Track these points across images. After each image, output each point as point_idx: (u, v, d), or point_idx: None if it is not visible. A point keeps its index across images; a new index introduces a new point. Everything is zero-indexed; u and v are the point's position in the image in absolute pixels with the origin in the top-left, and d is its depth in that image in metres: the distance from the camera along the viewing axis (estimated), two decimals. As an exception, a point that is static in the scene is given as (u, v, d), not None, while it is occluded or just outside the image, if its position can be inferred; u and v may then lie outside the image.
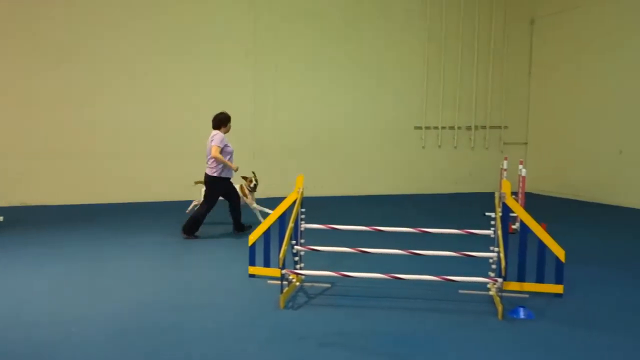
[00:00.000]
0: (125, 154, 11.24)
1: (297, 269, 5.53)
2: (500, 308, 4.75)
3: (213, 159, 7.71)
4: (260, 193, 11.79)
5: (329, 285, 5.64)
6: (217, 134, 7.80)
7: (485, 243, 5.54)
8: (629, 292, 5.53)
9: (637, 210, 10.72)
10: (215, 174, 7.78)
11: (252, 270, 5.96)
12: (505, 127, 13.84)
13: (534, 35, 13.78)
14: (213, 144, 7.71)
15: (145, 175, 11.33)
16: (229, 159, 7.86)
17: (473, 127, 13.59)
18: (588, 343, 4.24)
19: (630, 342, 4.24)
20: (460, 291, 5.43)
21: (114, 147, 11.18)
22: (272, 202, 6.44)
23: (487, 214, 5.59)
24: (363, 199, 12.26)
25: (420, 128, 13.26)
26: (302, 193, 5.73)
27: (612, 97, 11.60)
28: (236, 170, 7.99)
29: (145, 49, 11.28)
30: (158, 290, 5.50)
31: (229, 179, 7.99)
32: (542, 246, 5.35)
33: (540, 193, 13.00)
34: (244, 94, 11.95)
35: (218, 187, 7.88)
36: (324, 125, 12.57)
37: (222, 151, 7.71)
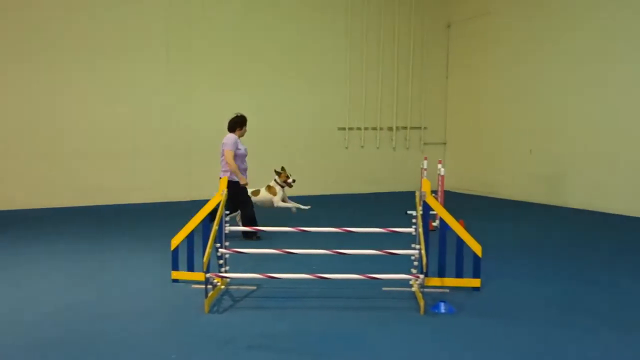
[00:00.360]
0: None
1: (221, 272, 5.45)
2: (422, 303, 4.89)
3: (244, 161, 7.75)
4: (184, 195, 11.64)
5: (254, 287, 5.60)
6: (230, 137, 7.73)
7: (407, 241, 5.69)
8: (541, 283, 5.84)
9: (546, 205, 11.37)
10: (233, 178, 7.63)
11: (175, 275, 5.81)
12: (425, 128, 14.29)
13: (450, 39, 14.31)
14: (225, 148, 7.63)
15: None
16: (242, 161, 7.79)
17: (394, 128, 13.94)
18: (505, 333, 4.44)
19: (544, 331, 4.48)
20: (384, 288, 5.54)
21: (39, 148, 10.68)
22: (196, 205, 6.31)
23: (408, 212, 5.74)
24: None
25: (343, 129, 13.44)
26: (225, 195, 5.66)
27: (523, 100, 12.24)
28: (245, 184, 7.84)
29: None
30: (78, 298, 5.26)
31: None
32: (460, 242, 5.56)
33: (458, 191, 13.52)
34: (163, 93, 11.66)
35: (238, 188, 7.70)
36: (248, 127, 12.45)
37: (234, 154, 7.64)
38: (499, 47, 12.82)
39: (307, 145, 13.07)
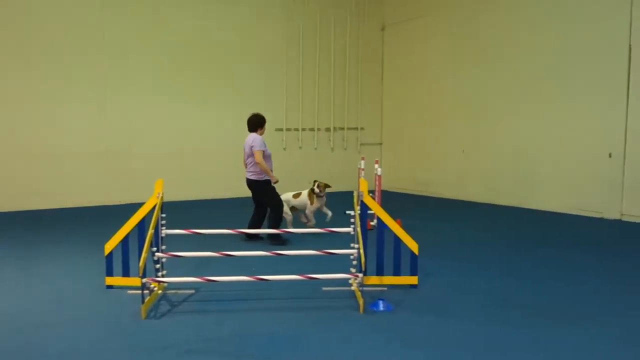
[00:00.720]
0: None
1: (158, 277, 5.32)
2: (361, 302, 4.95)
3: (256, 164, 7.56)
4: (121, 199, 11.29)
5: (193, 291, 5.51)
6: (257, 137, 7.61)
7: (346, 240, 5.75)
8: (476, 279, 6.03)
9: (479, 203, 11.78)
10: (263, 178, 7.61)
11: (109, 280, 5.63)
12: (362, 128, 14.48)
13: (385, 42, 14.58)
14: (255, 148, 7.49)
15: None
16: (268, 161, 7.68)
17: (332, 129, 14.05)
18: (441, 329, 4.56)
19: (478, 326, 4.63)
20: (324, 288, 5.57)
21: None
22: (131, 209, 6.14)
23: (347, 212, 5.80)
24: (226, 201, 12.14)
25: (281, 130, 13.42)
26: (162, 198, 5.53)
27: (455, 100, 12.63)
28: (276, 182, 7.76)
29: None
30: (9, 307, 5.01)
31: (270, 182, 7.78)
32: (397, 241, 5.67)
33: (395, 190, 13.79)
34: (99, 96, 11.28)
35: (269, 188, 7.70)
36: (185, 128, 12.25)
37: (263, 154, 7.54)
38: (432, 49, 13.17)
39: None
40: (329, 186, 8.49)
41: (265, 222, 7.92)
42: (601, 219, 9.63)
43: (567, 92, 10.31)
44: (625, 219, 9.45)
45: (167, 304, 5.16)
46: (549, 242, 7.98)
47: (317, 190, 8.21)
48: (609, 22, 9.59)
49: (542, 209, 10.64)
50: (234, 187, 12.62)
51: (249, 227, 7.78)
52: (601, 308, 5.04)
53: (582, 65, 10.03)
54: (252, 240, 7.73)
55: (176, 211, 10.24)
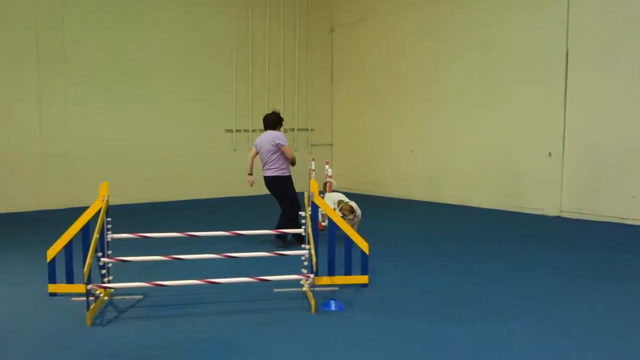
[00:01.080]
0: None
1: (104, 283, 5.18)
2: (313, 302, 4.97)
3: (285, 159, 7.57)
4: (62, 203, 10.92)
5: (141, 296, 5.38)
6: (280, 134, 7.68)
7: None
8: (425, 276, 6.15)
9: (427, 202, 12.01)
10: (286, 174, 7.61)
11: (52, 288, 5.43)
12: (312, 129, 14.53)
13: (334, 44, 14.68)
14: (283, 144, 7.56)
15: None
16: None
17: (282, 130, 14.00)
18: (391, 327, 4.62)
19: (428, 322, 4.72)
20: (276, 290, 5.56)
21: None
22: (75, 213, 5.95)
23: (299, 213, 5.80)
24: (175, 204, 11.94)
25: (231, 131, 13.31)
26: (107, 201, 5.38)
27: (403, 102, 12.84)
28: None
29: None
30: None
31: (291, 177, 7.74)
32: (348, 241, 5.72)
33: (346, 191, 13.88)
34: (36, 98, 10.88)
35: (290, 183, 7.67)
36: (130, 130, 11.97)
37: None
38: (380, 51, 13.35)
39: (194, 148, 12.79)
40: (354, 212, 7.52)
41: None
42: (542, 216, 9.99)
43: (509, 95, 10.65)
44: (564, 215, 9.84)
45: (114, 311, 5.02)
46: (493, 238, 8.22)
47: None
48: (547, 27, 9.96)
49: (487, 207, 10.96)
50: (181, 189, 12.48)
51: (280, 228, 7.39)
52: (544, 300, 5.22)
53: (523, 68, 10.37)
54: (284, 241, 7.54)
55: (122, 215, 10.01)
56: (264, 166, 7.76)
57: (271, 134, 7.74)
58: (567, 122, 9.78)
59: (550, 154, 9.99)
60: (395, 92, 13.04)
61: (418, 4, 12.34)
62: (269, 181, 7.69)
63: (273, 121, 7.87)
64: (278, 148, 7.60)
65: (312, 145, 14.48)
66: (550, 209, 10.00)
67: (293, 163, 7.73)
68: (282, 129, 7.97)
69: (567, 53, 9.70)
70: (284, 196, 7.70)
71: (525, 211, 10.32)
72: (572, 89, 9.70)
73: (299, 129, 14.30)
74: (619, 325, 4.57)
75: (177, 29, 12.46)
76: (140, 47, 12.02)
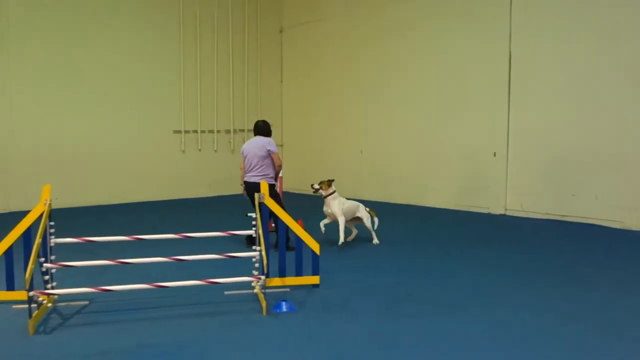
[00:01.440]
0: None
1: (47, 289, 5.00)
2: (264, 304, 4.95)
3: (272, 168, 7.50)
4: (1, 207, 10.49)
5: (87, 302, 5.23)
6: (272, 141, 7.54)
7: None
8: (376, 275, 6.22)
9: (377, 202, 12.14)
10: (272, 182, 7.41)
11: (-9, 296, 5.21)
12: (262, 130, 14.45)
13: (283, 44, 14.67)
14: (275, 150, 7.45)
15: None
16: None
17: (232, 131, 13.91)
18: (342, 327, 4.65)
19: (378, 321, 4.78)
20: (226, 292, 5.50)
21: None
22: (16, 217, 5.72)
23: (248, 214, 5.77)
24: (121, 207, 11.64)
25: (179, 132, 13.09)
26: (49, 205, 5.20)
27: (353, 102, 12.95)
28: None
29: None
30: None
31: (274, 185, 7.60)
32: (299, 241, 5.72)
33: (296, 192, 13.89)
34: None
35: (275, 191, 7.45)
36: (74, 132, 11.60)
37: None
38: (329, 52, 13.42)
39: (142, 150, 12.52)
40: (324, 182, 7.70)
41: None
42: (488, 214, 10.28)
43: (456, 97, 10.90)
44: (509, 213, 10.16)
45: (58, 318, 4.86)
46: (442, 237, 8.40)
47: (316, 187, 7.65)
48: (491, 31, 10.24)
49: (435, 206, 11.19)
50: (128, 191, 12.19)
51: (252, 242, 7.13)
52: (490, 296, 5.37)
53: (469, 71, 10.64)
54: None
55: (66, 218, 9.71)
56: (248, 171, 7.53)
57: (263, 139, 7.57)
58: (511, 123, 10.09)
59: (495, 154, 10.29)
60: (345, 93, 13.14)
61: (367, 7, 12.48)
62: (253, 187, 7.18)
63: (264, 129, 7.72)
64: (269, 154, 7.47)
65: (262, 146, 14.40)
66: (496, 208, 10.30)
67: (278, 172, 7.69)
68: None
69: (510, 57, 10.02)
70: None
71: (473, 210, 10.59)
72: (515, 91, 10.02)
73: (249, 130, 14.19)
74: (555, 318, 4.75)
75: (124, 29, 12.16)
76: (86, 48, 11.67)
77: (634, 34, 8.54)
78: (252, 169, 7.50)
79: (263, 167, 7.45)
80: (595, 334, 4.41)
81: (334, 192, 7.67)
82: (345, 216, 7.57)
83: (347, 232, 7.78)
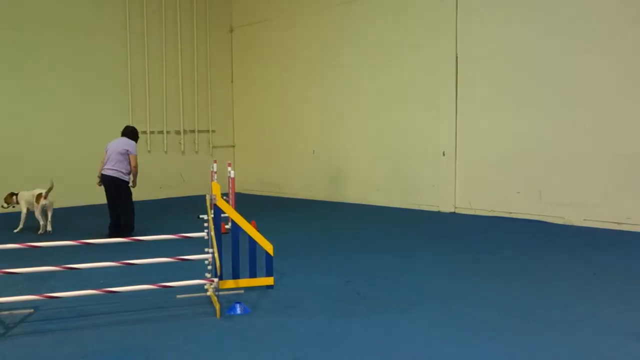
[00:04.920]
0: None
1: (-12, 298, 4.79)
2: (217, 307, 4.89)
3: (128, 168, 8.27)
4: None
5: (31, 310, 5.04)
6: (133, 144, 8.43)
7: (201, 245, 5.63)
8: (330, 275, 6.23)
9: (329, 202, 12.22)
10: (125, 179, 8.28)
11: None
12: (213, 131, 14.31)
13: (233, 44, 14.55)
14: (133, 153, 8.32)
15: None
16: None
17: (182, 132, 13.69)
18: (296, 327, 4.65)
19: (331, 321, 4.80)
20: (178, 296, 5.41)
21: None
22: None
23: (200, 216, 5.69)
24: (67, 210, 11.27)
25: (127, 133, 12.78)
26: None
27: (304, 102, 12.98)
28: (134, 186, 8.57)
29: None
30: None
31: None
32: (252, 243, 5.68)
33: (249, 192, 13.82)
34: None
35: (128, 192, 8.40)
36: (17, 132, 11.17)
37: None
38: (279, 52, 13.41)
39: (88, 152, 12.14)
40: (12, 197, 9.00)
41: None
42: (438, 212, 10.49)
43: (406, 97, 11.08)
44: (458, 211, 10.40)
45: (0, 327, 4.66)
46: (393, 236, 8.51)
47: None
48: (437, 33, 10.47)
49: (386, 205, 11.33)
50: (73, 194, 11.81)
51: (114, 233, 8.14)
52: (436, 295, 5.47)
53: (417, 72, 10.83)
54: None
55: (7, 224, 9.35)
56: (106, 165, 8.31)
57: (127, 140, 8.48)
58: (459, 123, 10.34)
59: (444, 154, 10.51)
60: (295, 94, 13.14)
61: (316, 7, 12.52)
62: (109, 179, 8.26)
63: (132, 134, 8.67)
64: (127, 154, 8.32)
65: (213, 147, 14.26)
66: (446, 206, 10.52)
67: (135, 173, 8.40)
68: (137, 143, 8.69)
69: (456, 58, 10.25)
70: (118, 200, 8.33)
71: (424, 208, 10.79)
72: (462, 92, 10.26)
73: (199, 131, 14.04)
74: (500, 314, 4.89)
75: (70, 29, 11.81)
76: (33, 47, 11.27)
77: (569, 37, 8.89)
78: (109, 162, 8.31)
79: (118, 163, 8.26)
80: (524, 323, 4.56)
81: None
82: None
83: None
